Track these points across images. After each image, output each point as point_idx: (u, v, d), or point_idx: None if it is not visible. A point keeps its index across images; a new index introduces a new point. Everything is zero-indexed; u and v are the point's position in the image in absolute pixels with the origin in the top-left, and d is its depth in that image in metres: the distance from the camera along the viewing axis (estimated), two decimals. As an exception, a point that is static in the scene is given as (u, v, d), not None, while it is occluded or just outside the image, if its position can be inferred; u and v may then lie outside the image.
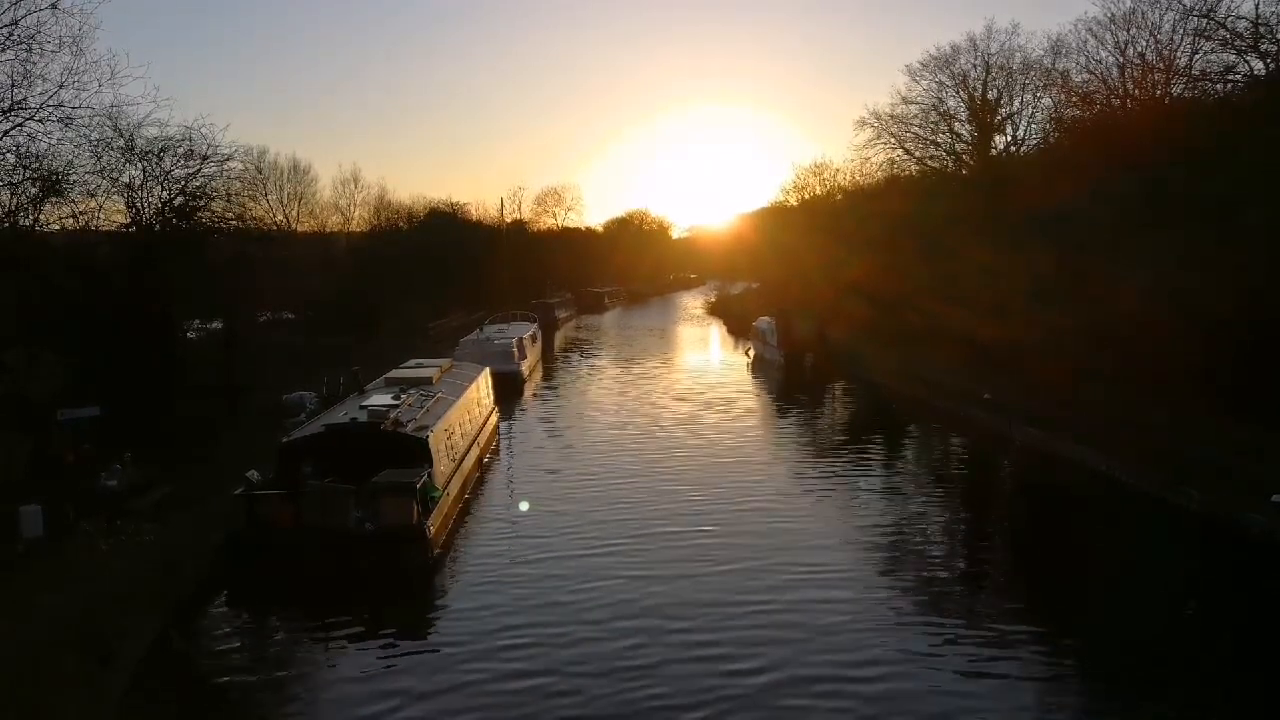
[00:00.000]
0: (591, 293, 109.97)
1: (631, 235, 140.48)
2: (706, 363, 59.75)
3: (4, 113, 23.56)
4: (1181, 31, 38.13)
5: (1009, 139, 54.35)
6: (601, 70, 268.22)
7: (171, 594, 17.49)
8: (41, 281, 25.53)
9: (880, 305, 52.16)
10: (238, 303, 36.03)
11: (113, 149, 27.70)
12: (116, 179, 28.25)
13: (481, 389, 33.38)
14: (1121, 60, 41.78)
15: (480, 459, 29.17)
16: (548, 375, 53.67)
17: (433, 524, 20.19)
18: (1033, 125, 52.56)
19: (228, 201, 31.59)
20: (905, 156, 57.66)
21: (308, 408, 32.01)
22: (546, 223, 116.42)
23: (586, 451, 31.75)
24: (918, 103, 55.50)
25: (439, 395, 27.35)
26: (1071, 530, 22.75)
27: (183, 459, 25.11)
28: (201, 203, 30.22)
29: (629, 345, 69.05)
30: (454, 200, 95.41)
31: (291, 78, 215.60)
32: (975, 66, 53.15)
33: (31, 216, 25.77)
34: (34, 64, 23.55)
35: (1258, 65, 33.34)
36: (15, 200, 25.07)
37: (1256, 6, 33.07)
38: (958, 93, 54.31)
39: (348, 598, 17.97)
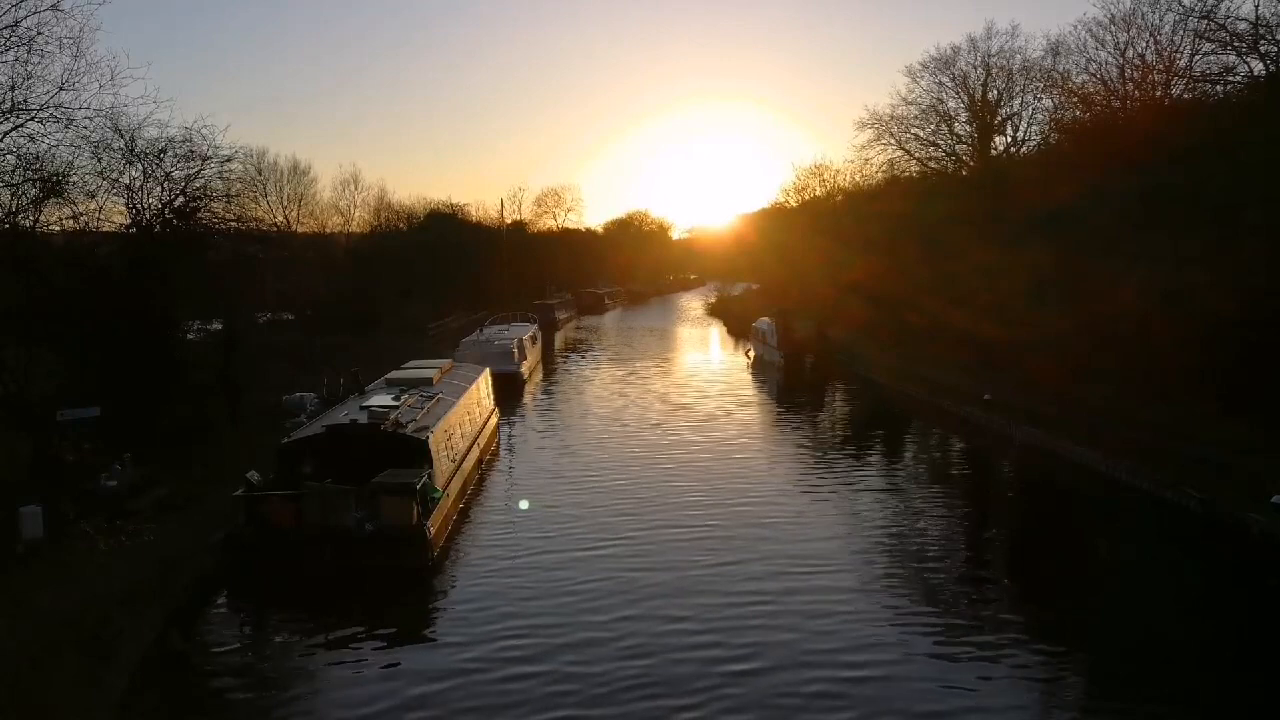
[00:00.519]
0: (591, 293, 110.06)
1: (631, 236, 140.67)
2: (706, 363, 59.76)
3: (4, 114, 23.55)
4: (1181, 32, 38.22)
5: (1009, 140, 54.49)
6: (601, 70, 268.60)
7: (171, 594, 17.50)
8: (42, 282, 25.51)
9: (880, 305, 52.19)
10: (238, 303, 36.03)
11: (113, 150, 27.71)
12: (117, 180, 28.25)
13: (482, 390, 33.39)
14: (1121, 61, 41.86)
15: (480, 460, 29.18)
16: (548, 376, 53.68)
17: (433, 524, 20.20)
18: (1033, 126, 52.71)
19: (228, 202, 31.54)
20: (905, 157, 57.79)
21: (308, 408, 32.02)
22: (547, 223, 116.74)
23: (587, 452, 31.76)
24: (918, 104, 55.65)
25: (439, 396, 27.36)
26: (1071, 530, 22.77)
27: (183, 459, 25.11)
28: (202, 203, 30.19)
29: (629, 346, 69.06)
30: (454, 201, 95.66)
31: (291, 78, 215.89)
32: (975, 67, 53.29)
33: (32, 217, 25.74)
34: (34, 65, 23.56)
35: (1257, 66, 33.42)
36: (16, 201, 25.03)
37: (1256, 7, 33.19)
38: (958, 94, 54.44)
39: (348, 598, 17.99)
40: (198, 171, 29.72)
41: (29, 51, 23.26)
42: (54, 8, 23.36)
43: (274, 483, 20.93)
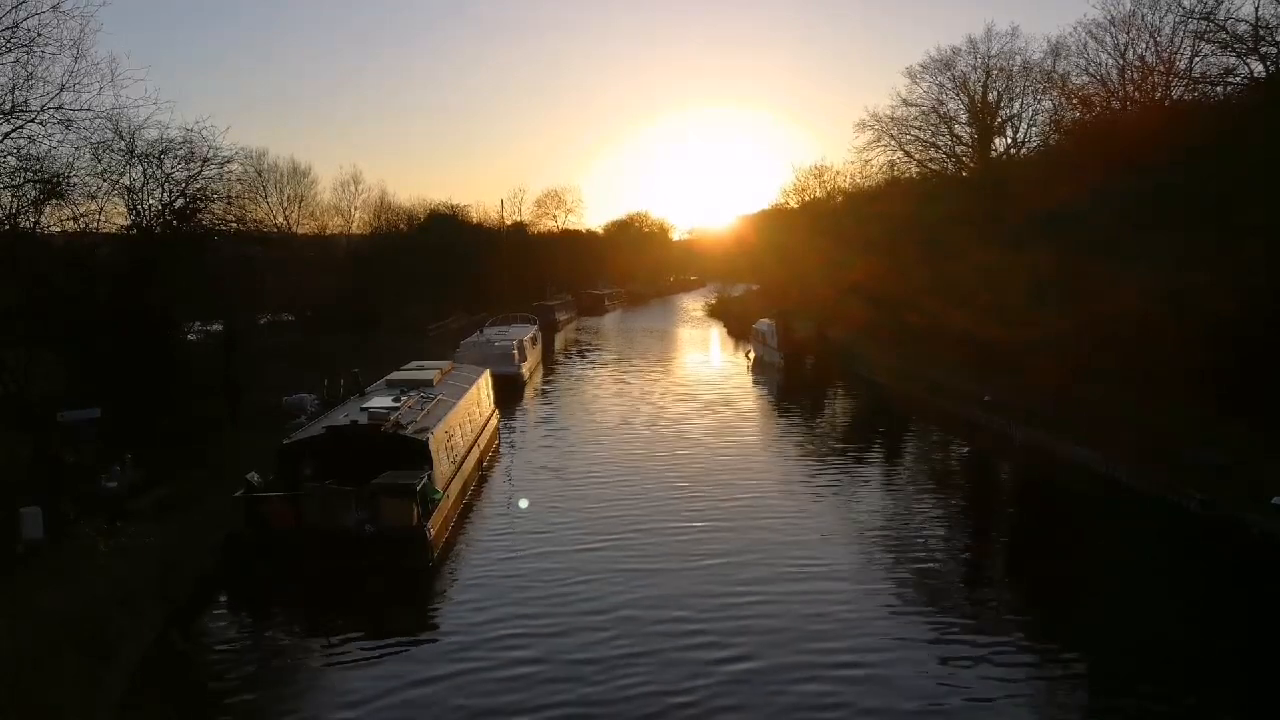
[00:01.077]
0: (592, 294, 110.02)
1: (632, 237, 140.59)
2: (706, 364, 59.79)
3: (5, 115, 23.56)
4: (1181, 34, 38.17)
5: (1009, 141, 54.43)
6: (602, 71, 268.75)
7: (171, 594, 17.51)
8: (42, 283, 25.52)
9: (880, 306, 52.15)
10: (238, 304, 36.05)
11: (113, 151, 27.71)
12: (117, 181, 28.25)
13: (482, 391, 33.40)
14: (1121, 62, 41.82)
15: (481, 461, 29.19)
16: (548, 377, 53.69)
17: (433, 525, 20.22)
18: (1033, 127, 52.62)
19: (228, 203, 31.57)
20: (905, 159, 57.70)
21: (308, 409, 32.03)
22: (547, 224, 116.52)
23: (587, 452, 31.78)
24: (918, 105, 55.58)
25: (439, 397, 27.37)
26: (1070, 530, 22.76)
27: (183, 460, 25.11)
28: (202, 205, 30.22)
29: (629, 347, 69.08)
30: (454, 202, 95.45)
31: (291, 80, 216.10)
32: (975, 69, 53.23)
33: (32, 219, 25.76)
34: (35, 66, 23.56)
35: (1258, 67, 33.35)
36: (16, 203, 25.05)
37: (1256, 8, 33.11)
38: (958, 95, 54.39)
39: (348, 599, 18.01)
40: (198, 173, 29.77)
41: (29, 53, 23.28)
42: (54, 9, 23.40)
43: (274, 484, 20.96)
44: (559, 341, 75.09)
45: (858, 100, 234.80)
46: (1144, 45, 40.47)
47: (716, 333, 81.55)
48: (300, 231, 68.54)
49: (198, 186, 29.90)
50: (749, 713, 13.46)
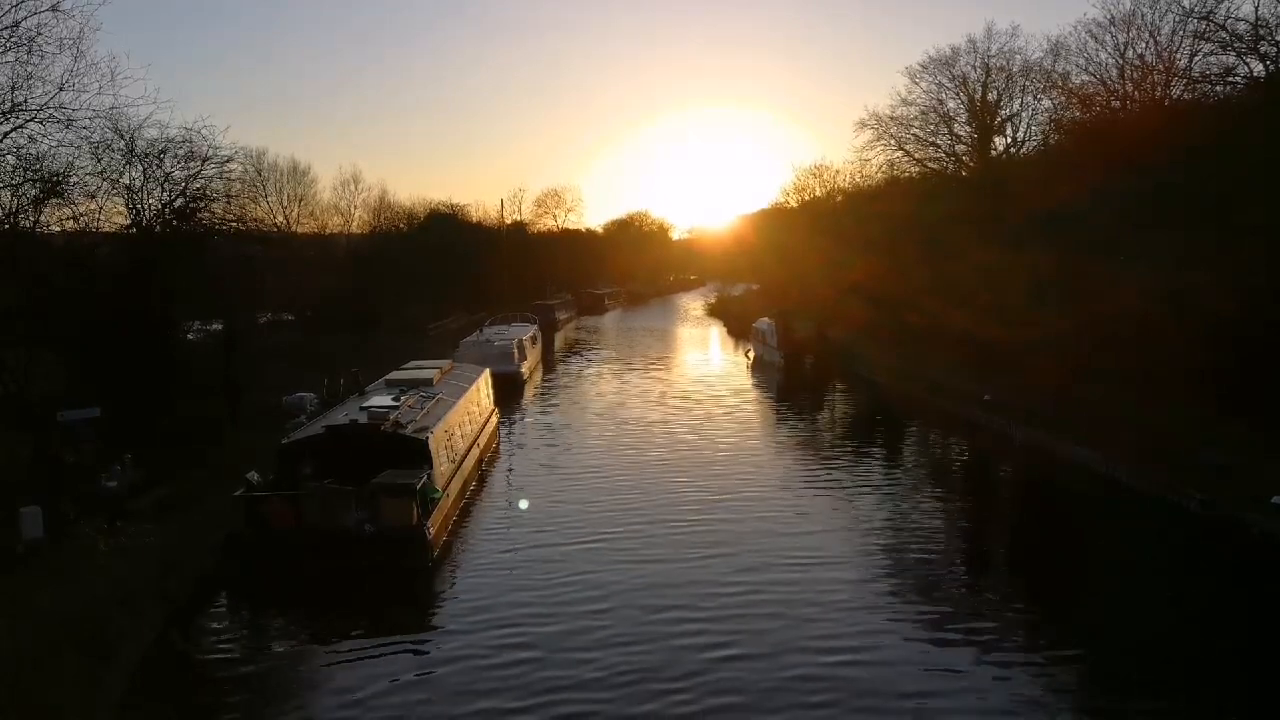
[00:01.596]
0: (591, 294, 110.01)
1: (631, 236, 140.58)
2: (706, 363, 59.76)
3: (4, 114, 23.56)
4: (1181, 33, 38.19)
5: (1009, 140, 54.43)
6: (601, 71, 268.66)
7: (171, 594, 17.51)
8: (42, 283, 25.51)
9: (880, 306, 52.14)
10: (238, 304, 36.03)
11: (113, 151, 27.70)
12: (117, 181, 28.25)
13: (482, 390, 33.39)
14: (1121, 62, 41.83)
15: (480, 460, 29.19)
16: (548, 376, 53.69)
17: (433, 525, 20.21)
18: (1033, 127, 52.63)
19: (228, 203, 31.59)
20: (905, 158, 57.70)
21: (308, 409, 32.01)
22: (547, 224, 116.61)
23: (586, 451, 31.78)
24: (918, 104, 55.58)
25: (439, 396, 27.36)
26: (1071, 530, 22.75)
27: (183, 460, 25.10)
28: (202, 204, 30.21)
29: (629, 346, 69.06)
30: (454, 201, 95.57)
31: (291, 79, 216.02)
32: (975, 68, 53.22)
33: (32, 218, 25.74)
34: (34, 66, 23.54)
35: (1257, 67, 33.34)
36: (16, 202, 25.04)
37: (1256, 8, 33.10)
38: (957, 94, 54.38)
39: (348, 598, 18.01)
40: (198, 172, 29.78)
41: (29, 52, 23.26)
42: (54, 8, 23.37)
43: (274, 483, 20.95)
44: (559, 341, 75.09)
45: (858, 100, 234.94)
46: (1144, 44, 40.54)
47: (716, 332, 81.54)
48: (300, 231, 68.60)
49: (197, 186, 29.94)
50: (750, 701, 13.60)
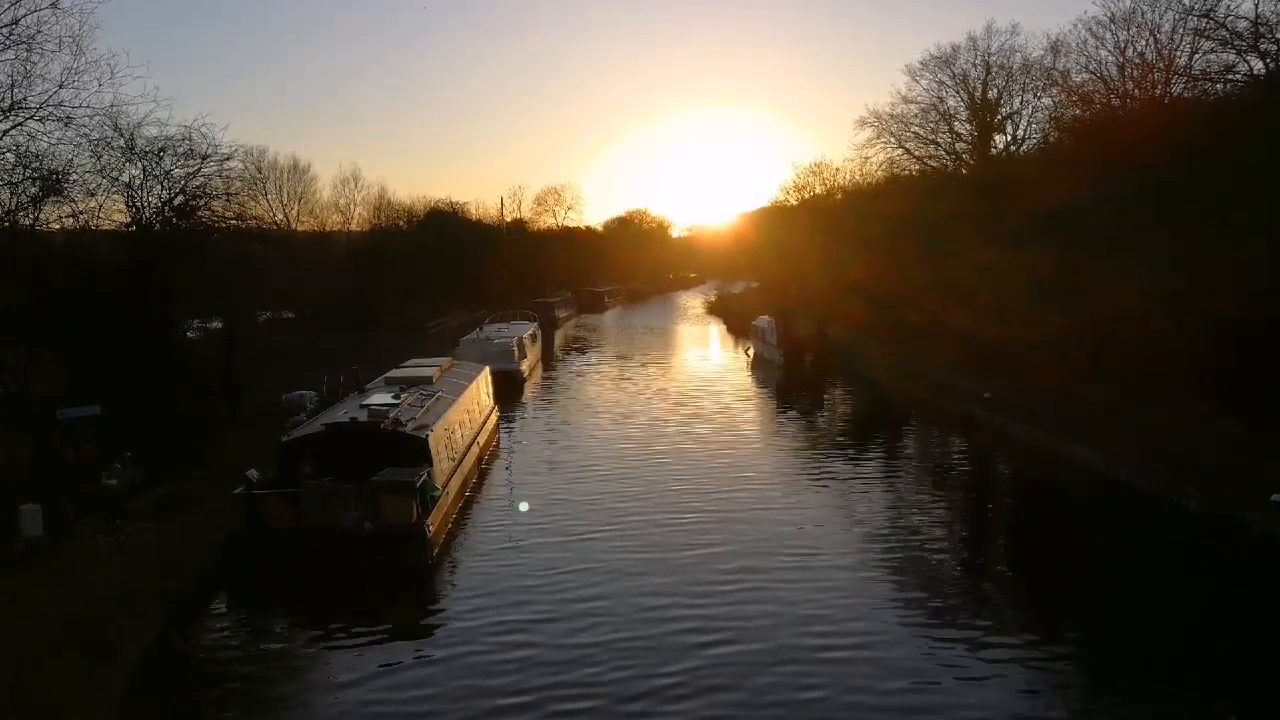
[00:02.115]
0: (591, 292, 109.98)
1: (631, 234, 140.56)
2: (706, 361, 59.78)
3: (4, 112, 23.53)
4: (1181, 31, 38.19)
5: (1009, 138, 54.47)
6: (601, 70, 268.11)
7: (171, 594, 17.50)
8: (42, 281, 25.49)
9: (880, 304, 52.15)
10: (238, 302, 35.95)
11: (113, 148, 27.62)
12: (116, 178, 28.17)
13: (481, 388, 33.39)
14: (1121, 60, 41.83)
15: (480, 458, 29.19)
16: (548, 374, 53.69)
17: (433, 523, 20.21)
18: (1032, 125, 52.69)
19: (227, 201, 31.49)
20: (905, 156, 57.78)
21: (308, 407, 32.00)
22: (546, 222, 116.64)
23: (586, 449, 31.79)
24: (918, 102, 55.65)
25: (439, 394, 27.35)
26: (1070, 529, 22.76)
27: (183, 459, 25.09)
28: (201, 202, 30.16)
29: (629, 344, 69.08)
30: (454, 200, 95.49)
31: (291, 77, 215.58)
32: (975, 66, 53.28)
33: (31, 216, 25.72)
34: (34, 63, 23.53)
35: (1257, 65, 33.35)
36: (15, 200, 25.02)
37: (1256, 6, 33.07)
38: (958, 92, 54.44)
39: (348, 597, 18.00)
40: (197, 170, 29.70)
41: (28, 50, 23.28)
42: (53, 6, 23.37)
43: (274, 481, 20.93)
44: (559, 339, 75.10)
45: (858, 99, 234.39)
46: (1144, 42, 40.54)
47: (716, 330, 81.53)
48: (300, 229, 68.64)
49: (197, 184, 29.88)
50: (745, 690, 13.82)
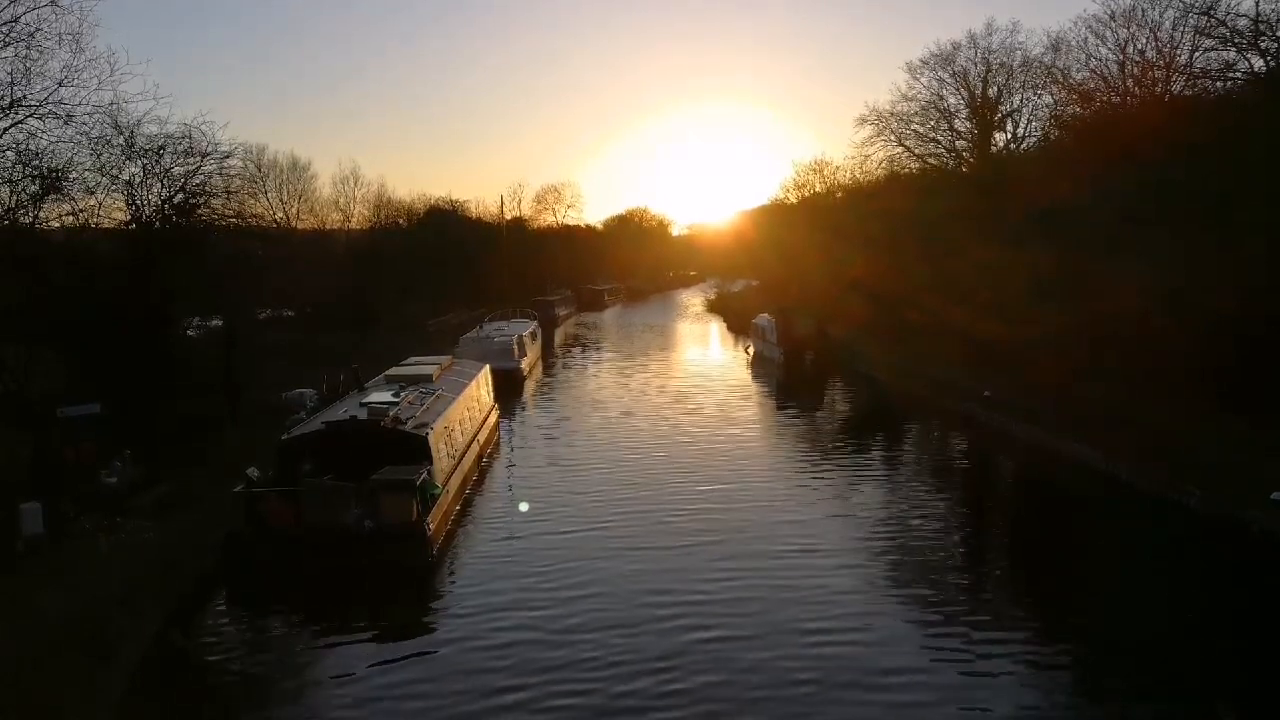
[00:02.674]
0: (591, 290, 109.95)
1: (631, 232, 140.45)
2: (706, 359, 59.76)
3: (3, 110, 23.49)
4: (1182, 29, 38.13)
5: (1009, 136, 54.38)
6: (601, 68, 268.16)
7: (172, 592, 17.50)
8: (41, 279, 25.47)
9: (880, 303, 52.13)
10: (237, 300, 35.93)
11: (112, 146, 27.56)
12: (116, 176, 28.12)
13: (481, 386, 33.38)
14: (1121, 58, 41.75)
15: (480, 456, 29.19)
16: (548, 372, 53.68)
17: (432, 521, 20.22)
18: (1033, 123, 52.59)
19: (227, 199, 31.45)
20: (905, 154, 57.69)
21: (308, 405, 31.99)
22: (546, 220, 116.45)
23: (586, 447, 31.78)
24: (918, 100, 55.56)
25: (439, 393, 27.34)
26: (1070, 528, 22.74)
27: (183, 457, 25.09)
28: (201, 200, 30.13)
29: (629, 342, 69.08)
30: (454, 198, 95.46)
31: (291, 75, 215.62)
32: (975, 64, 53.19)
33: (31, 214, 25.66)
34: (33, 61, 23.49)
35: (1258, 62, 33.31)
36: (15, 198, 24.98)
37: (1256, 4, 33.00)
38: (958, 90, 54.36)
39: (348, 596, 18.01)
40: (197, 168, 29.66)
41: (28, 47, 23.23)
42: (53, 3, 23.33)
43: (274, 479, 20.93)
44: (558, 337, 75.11)
45: (858, 97, 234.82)
46: (1144, 40, 40.47)
47: (716, 328, 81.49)
48: (300, 227, 68.57)
49: (197, 182, 29.83)
50: (738, 680, 13.99)
